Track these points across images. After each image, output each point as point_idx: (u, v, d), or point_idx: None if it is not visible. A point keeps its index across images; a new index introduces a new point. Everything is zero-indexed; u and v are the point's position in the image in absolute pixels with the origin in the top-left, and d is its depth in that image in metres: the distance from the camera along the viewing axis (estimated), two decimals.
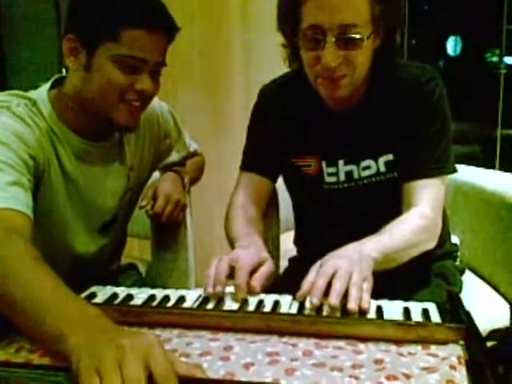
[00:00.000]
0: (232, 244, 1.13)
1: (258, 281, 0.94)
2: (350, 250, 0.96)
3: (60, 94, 1.14)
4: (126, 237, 1.42)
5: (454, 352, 0.72)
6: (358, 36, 1.03)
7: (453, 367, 0.68)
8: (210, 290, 0.90)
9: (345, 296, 0.84)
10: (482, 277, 1.52)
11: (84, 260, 1.22)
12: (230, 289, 0.93)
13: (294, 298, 0.90)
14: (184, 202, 1.37)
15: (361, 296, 0.85)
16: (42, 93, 1.14)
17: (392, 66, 1.18)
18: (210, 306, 0.89)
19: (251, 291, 0.92)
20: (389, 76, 1.17)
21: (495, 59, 4.91)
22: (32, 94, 1.13)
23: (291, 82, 1.25)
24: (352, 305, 0.83)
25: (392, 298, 0.90)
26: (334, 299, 0.83)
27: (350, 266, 0.88)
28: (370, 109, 1.17)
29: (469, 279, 1.44)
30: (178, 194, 1.34)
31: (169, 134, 1.39)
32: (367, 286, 0.88)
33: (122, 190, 1.26)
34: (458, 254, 1.39)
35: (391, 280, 0.99)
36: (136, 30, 1.05)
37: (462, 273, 1.36)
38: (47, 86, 1.16)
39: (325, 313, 0.84)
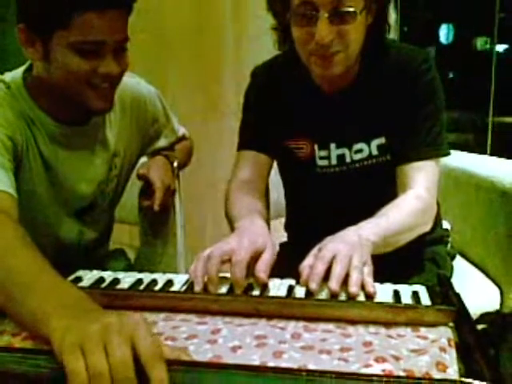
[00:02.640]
0: (231, 224, 1.09)
1: (263, 272, 0.87)
2: (349, 233, 0.94)
3: (33, 78, 1.11)
4: (112, 223, 1.40)
5: (444, 334, 0.71)
6: (351, 9, 1.01)
7: (442, 349, 0.67)
8: (198, 288, 0.85)
9: (345, 281, 0.82)
10: (472, 262, 1.52)
11: (67, 245, 1.20)
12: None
13: (283, 282, 0.88)
14: (174, 187, 1.35)
15: (362, 280, 0.83)
16: (16, 76, 1.11)
17: (384, 46, 1.16)
18: (198, 289, 0.87)
19: (258, 282, 0.87)
20: (381, 57, 1.15)
21: (487, 47, 4.90)
22: (6, 76, 1.10)
23: (282, 63, 1.23)
24: (354, 288, 0.81)
25: (383, 282, 0.88)
26: (335, 284, 0.81)
27: (349, 250, 0.86)
28: (362, 90, 1.16)
29: (460, 264, 1.45)
30: (168, 179, 1.33)
31: (157, 118, 1.37)
32: (368, 270, 0.86)
33: (103, 176, 1.23)
34: (449, 239, 1.38)
35: (383, 265, 0.98)
36: (86, 13, 0.97)
37: (453, 258, 1.36)
38: (23, 68, 1.13)
39: (323, 297, 0.82)
